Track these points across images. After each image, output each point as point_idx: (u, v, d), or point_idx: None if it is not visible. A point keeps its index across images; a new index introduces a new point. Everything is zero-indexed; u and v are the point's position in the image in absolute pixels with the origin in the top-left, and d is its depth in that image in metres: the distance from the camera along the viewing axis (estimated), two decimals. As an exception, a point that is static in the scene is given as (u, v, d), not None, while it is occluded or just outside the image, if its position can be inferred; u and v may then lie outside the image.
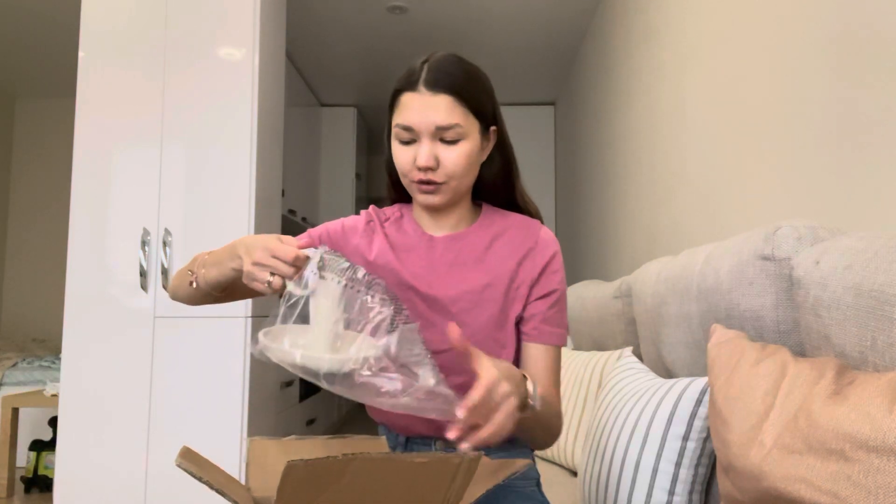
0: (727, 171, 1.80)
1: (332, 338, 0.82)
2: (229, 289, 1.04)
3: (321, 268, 0.84)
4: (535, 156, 4.98)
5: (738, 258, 1.05)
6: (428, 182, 1.04)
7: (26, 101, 5.08)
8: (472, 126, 1.04)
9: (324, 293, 0.83)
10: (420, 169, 1.03)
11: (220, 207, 2.49)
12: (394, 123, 1.06)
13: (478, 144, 1.07)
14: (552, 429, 1.07)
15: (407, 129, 1.03)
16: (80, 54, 2.55)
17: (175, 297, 1.13)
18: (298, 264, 0.86)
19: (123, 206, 2.51)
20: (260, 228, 2.55)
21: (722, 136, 1.83)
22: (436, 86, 1.02)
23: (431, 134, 1.02)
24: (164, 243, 2.48)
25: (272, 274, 0.86)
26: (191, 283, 1.05)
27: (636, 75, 2.75)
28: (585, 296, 2.23)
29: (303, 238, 1.18)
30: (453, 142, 1.03)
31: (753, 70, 1.64)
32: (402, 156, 1.05)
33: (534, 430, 1.01)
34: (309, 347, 0.80)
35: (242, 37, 2.54)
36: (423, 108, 1.01)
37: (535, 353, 1.09)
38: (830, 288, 0.81)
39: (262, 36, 2.58)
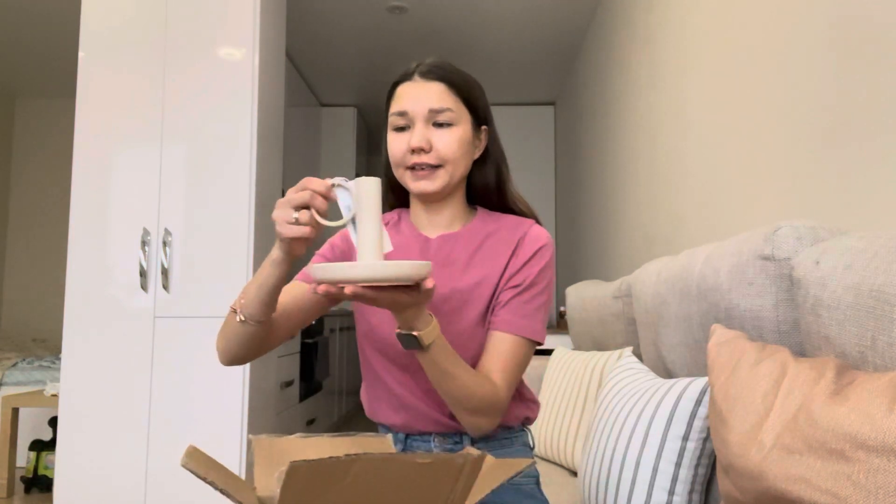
0: (727, 171, 1.80)
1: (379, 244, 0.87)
2: (272, 304, 0.98)
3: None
4: (535, 156, 4.98)
5: (738, 258, 1.05)
6: (421, 167, 1.06)
7: (26, 101, 5.08)
8: (463, 114, 1.09)
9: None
10: (413, 151, 1.05)
11: (220, 207, 2.49)
12: (390, 113, 1.10)
13: (469, 134, 1.10)
14: (467, 394, 0.98)
15: (401, 114, 1.07)
16: (80, 54, 2.55)
17: (225, 352, 1.04)
18: (328, 194, 0.89)
19: (123, 206, 2.51)
20: (260, 228, 2.55)
21: (722, 136, 1.84)
22: (428, 74, 1.08)
23: (425, 118, 1.06)
24: (164, 243, 2.48)
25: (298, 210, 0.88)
26: (235, 314, 0.99)
27: (636, 75, 2.75)
28: (585, 296, 2.23)
29: (316, 258, 1.19)
30: (445, 125, 1.06)
31: (753, 70, 1.64)
32: (396, 143, 1.08)
33: (433, 373, 0.96)
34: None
35: (242, 37, 2.54)
36: (417, 94, 1.07)
37: (490, 339, 1.06)
38: (830, 288, 0.81)
39: (262, 36, 2.58)
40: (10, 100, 5.05)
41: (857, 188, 1.21)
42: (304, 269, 1.17)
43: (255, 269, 2.49)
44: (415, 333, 0.91)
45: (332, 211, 0.87)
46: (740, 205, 1.71)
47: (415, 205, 1.17)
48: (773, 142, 1.53)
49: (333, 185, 0.90)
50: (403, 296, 0.85)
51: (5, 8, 3.60)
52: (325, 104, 5.15)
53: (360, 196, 0.87)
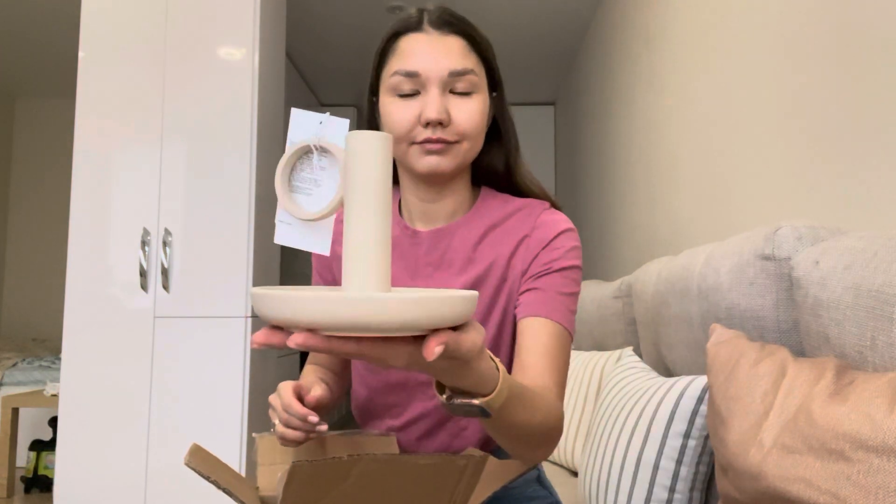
0: (727, 171, 1.80)
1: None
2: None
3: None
4: (535, 156, 4.98)
5: (739, 258, 1.06)
6: (437, 141, 0.84)
7: (26, 101, 5.08)
8: (483, 79, 0.89)
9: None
10: (428, 124, 0.84)
11: (220, 207, 2.49)
12: (390, 73, 0.86)
13: (488, 103, 0.90)
14: (535, 434, 0.72)
15: (411, 74, 0.84)
16: (80, 54, 2.55)
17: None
18: (307, 424, 0.76)
19: (123, 206, 2.51)
20: (260, 228, 2.55)
21: (722, 136, 1.84)
22: (445, 26, 0.86)
23: (442, 82, 0.84)
24: (164, 243, 2.48)
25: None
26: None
27: (636, 75, 2.75)
28: (585, 296, 2.23)
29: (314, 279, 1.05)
30: (466, 93, 0.86)
31: (753, 69, 1.64)
32: (402, 112, 0.85)
33: (499, 431, 0.68)
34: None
35: (242, 37, 2.54)
36: (432, 51, 0.84)
37: (524, 328, 0.84)
38: (830, 288, 0.81)
39: (262, 36, 2.58)
40: (10, 100, 5.04)
41: (857, 188, 1.21)
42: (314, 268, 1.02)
43: (255, 269, 2.49)
44: (476, 402, 0.58)
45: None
46: (740, 205, 1.72)
47: (407, 189, 0.94)
48: (773, 142, 1.53)
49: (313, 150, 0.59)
50: (441, 360, 0.52)
51: (5, 8, 3.60)
52: (325, 104, 5.14)
53: (355, 165, 0.51)
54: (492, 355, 0.62)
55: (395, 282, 0.91)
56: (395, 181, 0.97)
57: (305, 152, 0.58)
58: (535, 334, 0.83)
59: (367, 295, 0.46)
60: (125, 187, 2.52)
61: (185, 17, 2.56)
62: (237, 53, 2.54)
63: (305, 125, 0.58)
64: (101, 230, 2.50)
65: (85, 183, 2.52)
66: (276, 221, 0.59)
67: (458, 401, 0.59)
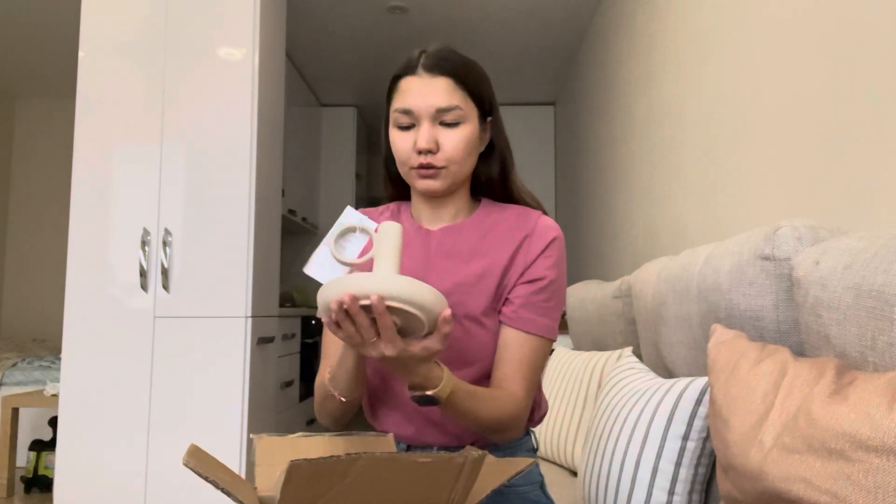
0: (727, 171, 1.80)
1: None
2: (361, 378, 0.99)
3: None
4: (535, 156, 4.98)
5: (738, 258, 1.05)
6: (428, 167, 1.03)
7: (26, 101, 5.08)
8: (470, 111, 1.05)
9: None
10: (420, 152, 1.02)
11: (220, 207, 2.49)
12: (392, 109, 1.06)
13: (476, 130, 1.06)
14: (484, 426, 0.98)
15: (406, 112, 1.03)
16: (80, 54, 2.55)
17: (334, 425, 1.05)
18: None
19: (123, 206, 2.51)
20: (260, 228, 2.55)
21: (722, 136, 1.84)
22: (434, 69, 1.03)
23: (431, 116, 1.02)
24: (164, 243, 2.48)
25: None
26: (335, 398, 0.99)
27: (636, 75, 2.75)
28: (585, 296, 2.23)
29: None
30: (453, 125, 1.03)
31: (753, 69, 1.64)
32: (401, 142, 1.04)
33: (454, 416, 0.95)
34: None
35: (242, 37, 2.54)
36: (423, 91, 1.02)
37: (509, 338, 1.04)
38: (830, 288, 0.81)
39: (262, 36, 2.58)
40: (10, 100, 5.05)
41: (857, 188, 1.21)
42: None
43: (255, 269, 2.49)
44: (429, 393, 0.87)
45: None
46: (740, 205, 1.71)
47: (416, 199, 1.13)
48: (773, 142, 1.53)
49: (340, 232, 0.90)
50: (426, 344, 0.81)
51: (5, 8, 3.60)
52: (325, 104, 5.14)
53: (381, 241, 0.83)
54: (438, 362, 0.89)
55: (411, 271, 1.07)
56: (407, 194, 1.17)
57: (349, 231, 0.91)
58: (517, 346, 1.03)
59: (410, 280, 0.78)
60: (125, 187, 2.52)
61: (185, 17, 2.56)
62: (237, 53, 2.54)
63: (352, 218, 0.92)
64: (101, 230, 2.50)
65: (85, 183, 2.52)
66: (313, 260, 0.90)
67: (416, 393, 0.88)
